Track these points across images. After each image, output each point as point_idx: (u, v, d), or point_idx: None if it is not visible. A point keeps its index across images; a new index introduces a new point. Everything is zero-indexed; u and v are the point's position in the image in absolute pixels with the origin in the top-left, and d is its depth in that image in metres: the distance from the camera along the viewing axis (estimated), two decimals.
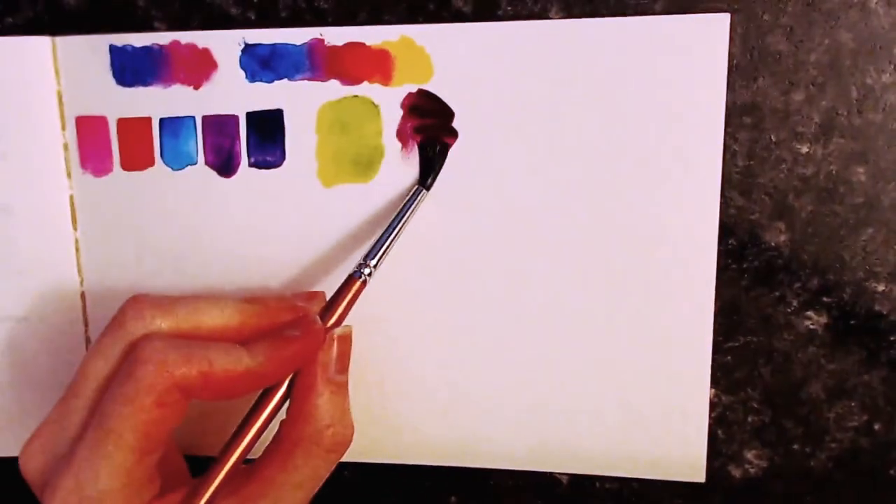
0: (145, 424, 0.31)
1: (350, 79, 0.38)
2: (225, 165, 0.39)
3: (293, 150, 0.39)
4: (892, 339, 0.38)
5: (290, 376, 0.34)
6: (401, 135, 0.38)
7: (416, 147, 0.38)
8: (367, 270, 0.36)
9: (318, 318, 0.35)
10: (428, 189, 0.38)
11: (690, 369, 0.39)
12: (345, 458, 0.35)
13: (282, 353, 0.33)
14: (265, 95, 0.38)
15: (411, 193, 0.38)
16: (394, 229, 0.37)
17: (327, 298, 0.36)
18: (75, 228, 0.40)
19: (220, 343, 0.32)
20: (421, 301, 0.39)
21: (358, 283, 0.36)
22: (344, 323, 0.36)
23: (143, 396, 0.30)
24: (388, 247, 0.36)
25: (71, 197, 0.40)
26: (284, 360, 0.33)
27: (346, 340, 0.35)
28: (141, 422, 0.30)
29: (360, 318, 0.37)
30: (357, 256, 0.38)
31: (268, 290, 0.40)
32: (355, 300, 0.36)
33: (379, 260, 0.36)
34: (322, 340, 0.34)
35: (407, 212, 0.37)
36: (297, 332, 0.33)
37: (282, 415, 0.34)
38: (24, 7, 0.39)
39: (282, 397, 0.34)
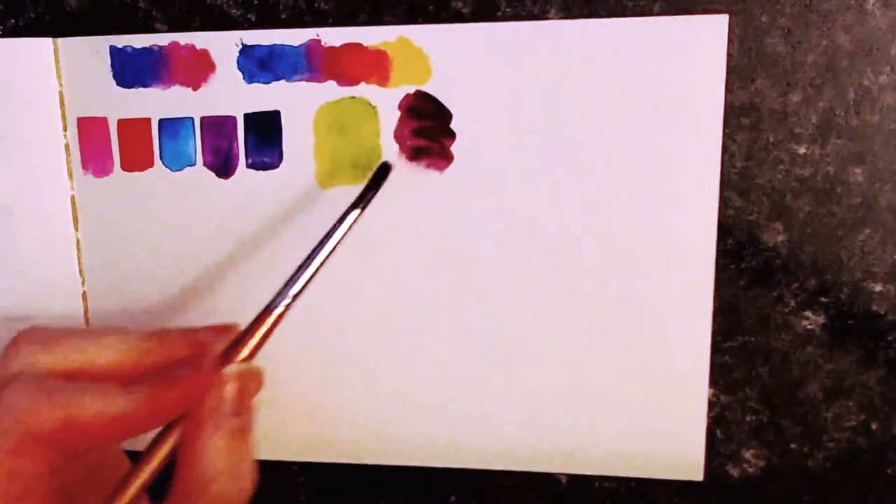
0: (5, 474, 0.28)
1: (348, 80, 0.38)
2: (223, 166, 0.39)
3: (291, 152, 0.39)
4: (889, 338, 0.38)
5: (174, 419, 0.30)
6: (398, 136, 0.38)
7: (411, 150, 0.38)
8: (285, 301, 0.33)
9: (213, 356, 0.31)
10: (362, 210, 0.36)
11: (689, 369, 0.39)
12: (345, 460, 0.35)
13: (164, 395, 0.29)
14: (263, 96, 0.38)
15: (344, 214, 0.36)
16: (316, 255, 0.34)
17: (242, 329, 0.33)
18: (76, 229, 0.40)
19: (97, 385, 0.29)
20: (420, 302, 0.39)
21: (273, 316, 0.33)
22: (254, 356, 0.32)
23: (1, 442, 0.28)
24: (312, 275, 0.34)
25: (72, 197, 0.40)
26: (166, 403, 0.30)
27: (249, 378, 0.31)
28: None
29: (361, 318, 0.37)
30: (356, 257, 0.38)
31: (264, 288, 0.40)
32: (270, 334, 0.33)
33: (302, 289, 0.34)
34: (213, 381, 0.31)
35: (335, 236, 0.35)
36: (185, 372, 0.30)
37: None
38: (26, 9, 0.40)
39: (172, 443, 0.30)
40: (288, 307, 0.33)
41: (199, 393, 0.30)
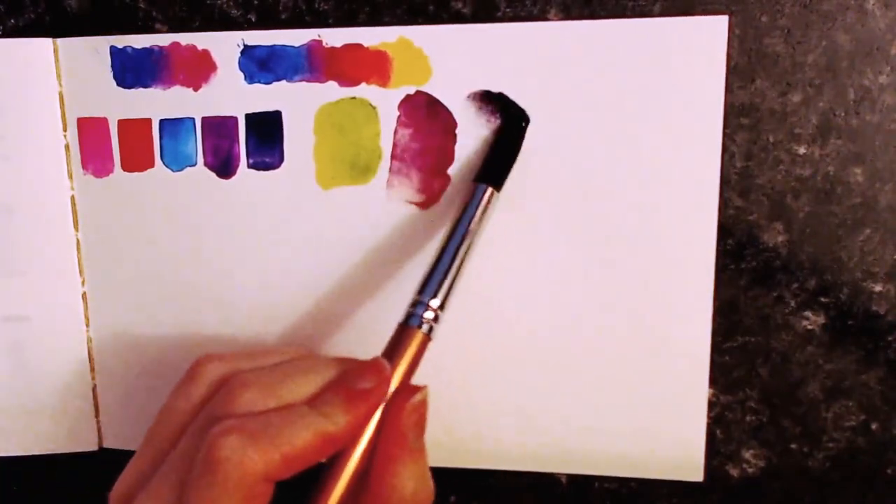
0: None
1: (348, 80, 0.38)
2: (224, 167, 0.39)
3: (291, 152, 0.39)
4: (889, 339, 0.38)
5: (364, 438, 0.32)
6: (398, 137, 0.38)
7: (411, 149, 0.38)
8: (429, 315, 0.33)
9: (386, 364, 0.33)
10: (498, 189, 0.36)
11: (689, 369, 0.39)
12: None
13: (359, 408, 0.31)
14: (264, 97, 0.38)
15: (476, 196, 0.36)
16: (458, 249, 0.34)
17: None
18: (76, 229, 0.40)
19: (294, 414, 0.31)
20: None
21: (420, 336, 0.33)
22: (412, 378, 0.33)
23: (229, 497, 0.28)
24: (455, 276, 0.34)
25: (72, 198, 0.40)
26: (360, 417, 0.31)
27: (423, 406, 0.33)
28: None
29: (359, 319, 0.38)
30: (354, 258, 0.38)
31: (264, 288, 0.40)
32: (421, 356, 0.33)
33: (446, 297, 0.34)
34: (388, 388, 0.32)
35: (473, 221, 0.35)
36: (370, 384, 0.32)
37: None
38: (26, 9, 0.40)
39: (360, 463, 0.31)
40: (435, 321, 0.33)
41: (382, 400, 0.32)
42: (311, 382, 0.32)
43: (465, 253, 0.34)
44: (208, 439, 0.29)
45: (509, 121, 0.37)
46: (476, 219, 0.35)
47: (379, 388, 0.32)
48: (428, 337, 0.33)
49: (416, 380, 0.33)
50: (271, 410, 0.31)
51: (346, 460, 0.31)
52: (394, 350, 0.33)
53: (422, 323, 0.33)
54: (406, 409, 0.32)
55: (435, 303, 0.33)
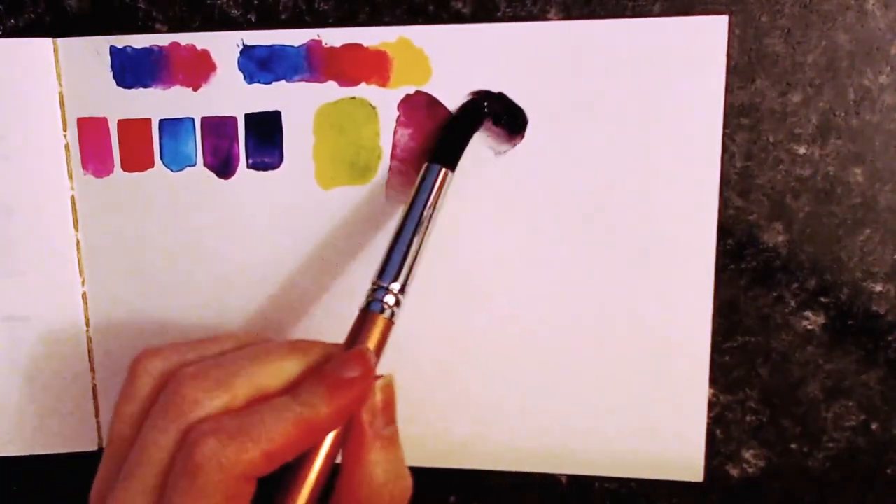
0: None
1: (348, 80, 0.38)
2: (223, 167, 0.39)
3: (291, 152, 0.39)
4: (889, 339, 0.38)
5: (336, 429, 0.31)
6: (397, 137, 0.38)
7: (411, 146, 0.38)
8: (390, 299, 0.33)
9: (372, 353, 0.32)
10: (453, 169, 0.35)
11: (689, 369, 0.39)
12: None
13: (342, 399, 0.30)
14: (263, 97, 0.38)
15: (428, 176, 0.35)
16: (415, 232, 0.34)
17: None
18: (76, 229, 0.40)
19: (271, 408, 0.30)
20: (419, 303, 0.39)
21: (382, 321, 0.33)
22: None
23: (212, 499, 0.28)
24: (414, 259, 0.34)
25: (72, 198, 0.40)
26: (344, 405, 0.31)
27: (388, 389, 0.32)
28: None
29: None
30: (354, 257, 0.38)
31: (263, 289, 0.40)
32: (385, 341, 0.33)
33: (406, 280, 0.33)
34: (373, 378, 0.32)
35: (428, 203, 0.34)
36: (356, 373, 0.31)
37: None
38: (26, 9, 0.39)
39: (330, 454, 0.31)
40: (397, 305, 0.33)
41: (369, 390, 0.31)
42: (268, 370, 0.31)
43: (423, 235, 0.34)
44: (187, 443, 0.29)
45: (467, 103, 0.37)
46: (431, 200, 0.35)
47: (364, 378, 0.31)
48: (391, 321, 0.33)
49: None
50: (246, 406, 0.30)
51: (319, 450, 0.31)
52: (357, 336, 0.32)
53: (383, 308, 0.33)
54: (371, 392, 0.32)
55: (395, 286, 0.33)
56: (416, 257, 0.34)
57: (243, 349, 0.33)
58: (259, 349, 0.32)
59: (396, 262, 0.33)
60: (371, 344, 0.32)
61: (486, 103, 0.37)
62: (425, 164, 0.36)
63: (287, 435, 0.29)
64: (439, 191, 0.35)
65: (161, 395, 0.31)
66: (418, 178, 0.35)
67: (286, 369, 0.31)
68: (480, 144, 0.38)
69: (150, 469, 0.30)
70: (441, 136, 0.37)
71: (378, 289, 0.33)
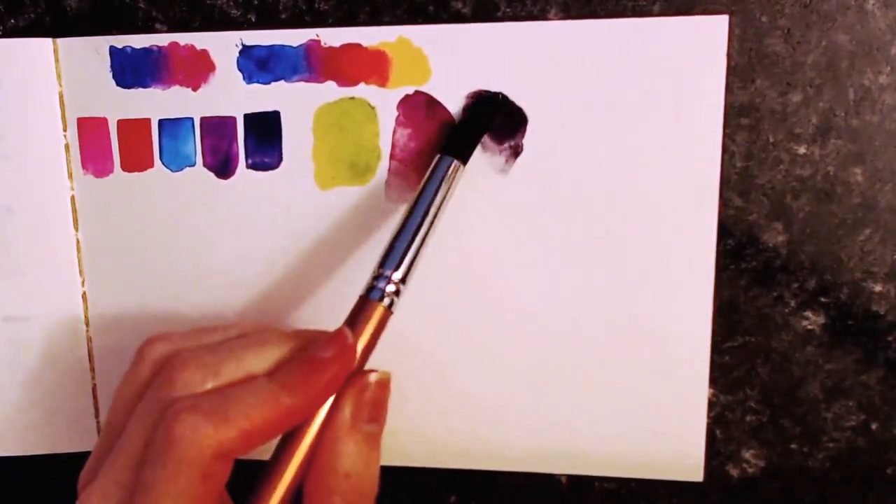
0: (195, 498, 0.29)
1: (347, 80, 0.38)
2: (223, 167, 0.39)
3: (290, 153, 0.39)
4: (889, 339, 0.38)
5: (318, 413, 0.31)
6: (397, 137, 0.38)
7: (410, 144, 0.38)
8: (390, 287, 0.33)
9: (349, 332, 0.32)
10: (465, 163, 0.36)
11: (689, 369, 0.39)
12: None
13: (318, 380, 0.30)
14: (262, 97, 0.38)
15: (439, 168, 0.35)
16: (421, 222, 0.34)
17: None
18: (76, 229, 0.40)
19: (249, 389, 0.30)
20: (419, 302, 0.39)
21: (380, 309, 0.32)
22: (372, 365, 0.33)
23: (186, 474, 0.28)
24: (418, 249, 0.34)
25: (72, 198, 0.40)
26: (321, 388, 0.31)
27: (382, 387, 0.32)
28: (190, 498, 0.28)
29: None
30: (354, 257, 0.38)
31: (263, 289, 0.40)
32: (382, 329, 0.33)
33: (408, 270, 0.33)
34: (354, 359, 0.32)
35: (437, 194, 0.34)
36: (330, 353, 0.31)
37: None
38: (26, 9, 0.40)
39: (314, 439, 0.31)
40: (397, 294, 0.33)
41: (347, 371, 0.31)
42: (259, 357, 0.31)
43: (429, 226, 0.34)
44: (164, 420, 0.29)
45: (483, 99, 0.37)
46: (440, 192, 0.35)
47: (341, 357, 0.31)
48: (389, 311, 0.33)
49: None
50: (228, 385, 0.30)
51: (303, 435, 0.31)
52: (353, 323, 0.32)
53: (382, 296, 0.33)
54: (363, 382, 0.32)
55: (396, 276, 0.33)
56: (419, 248, 0.34)
57: (241, 337, 0.33)
58: (255, 337, 0.33)
59: (399, 250, 0.33)
60: (366, 331, 0.32)
61: (500, 103, 0.37)
62: (437, 156, 0.36)
63: (264, 414, 0.29)
64: (449, 183, 0.35)
65: (155, 378, 0.31)
66: (429, 169, 0.35)
67: (275, 355, 0.32)
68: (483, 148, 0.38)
69: (132, 447, 0.30)
70: (456, 129, 0.37)
71: (379, 276, 0.33)
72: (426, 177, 0.35)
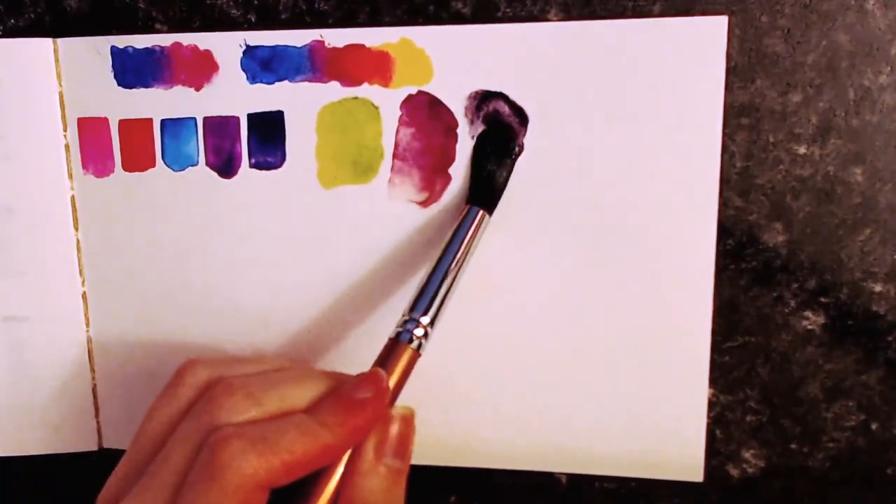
0: None
1: (350, 80, 0.38)
2: (225, 166, 0.39)
3: (293, 152, 0.39)
4: (889, 339, 0.38)
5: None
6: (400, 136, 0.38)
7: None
8: (419, 331, 0.34)
9: (384, 374, 0.33)
10: (490, 213, 0.37)
11: (689, 369, 0.39)
12: None
13: (356, 419, 0.31)
14: (266, 97, 0.38)
15: (469, 218, 0.37)
16: (447, 270, 0.35)
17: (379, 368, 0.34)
18: (76, 229, 0.40)
19: (292, 422, 0.31)
20: None
21: (409, 351, 0.34)
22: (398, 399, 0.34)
23: (228, 501, 0.28)
24: (445, 295, 0.35)
25: (72, 198, 0.40)
26: (359, 427, 0.31)
27: (407, 423, 0.33)
28: None
29: (357, 319, 0.37)
30: (356, 257, 0.38)
31: (265, 288, 0.40)
32: (410, 371, 0.34)
33: (436, 315, 0.35)
34: (388, 400, 0.33)
35: (465, 245, 0.36)
36: (369, 394, 0.32)
37: None
38: (26, 9, 0.39)
39: (341, 474, 0.32)
40: (425, 337, 0.34)
41: (382, 412, 0.32)
42: (299, 392, 0.32)
43: (456, 273, 0.36)
44: (209, 444, 0.29)
45: (502, 144, 0.38)
46: (467, 240, 0.36)
47: (377, 399, 0.32)
48: (417, 353, 0.34)
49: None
50: (269, 419, 0.31)
51: (333, 471, 0.31)
52: (383, 364, 0.34)
53: (412, 339, 0.34)
54: (388, 417, 0.32)
55: (425, 320, 0.34)
56: (447, 293, 0.35)
57: (281, 371, 0.34)
58: (294, 372, 0.34)
59: (429, 297, 0.35)
60: (396, 372, 0.33)
61: (518, 147, 0.38)
62: (466, 207, 0.37)
63: (304, 448, 0.30)
64: (475, 232, 0.36)
65: (198, 402, 0.32)
66: (458, 219, 0.37)
67: (313, 391, 0.32)
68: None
69: (172, 468, 0.30)
70: (481, 179, 0.38)
71: (409, 320, 0.34)
72: (455, 226, 0.36)
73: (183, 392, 0.33)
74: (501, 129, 0.38)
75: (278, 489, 0.30)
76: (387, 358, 0.34)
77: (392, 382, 0.33)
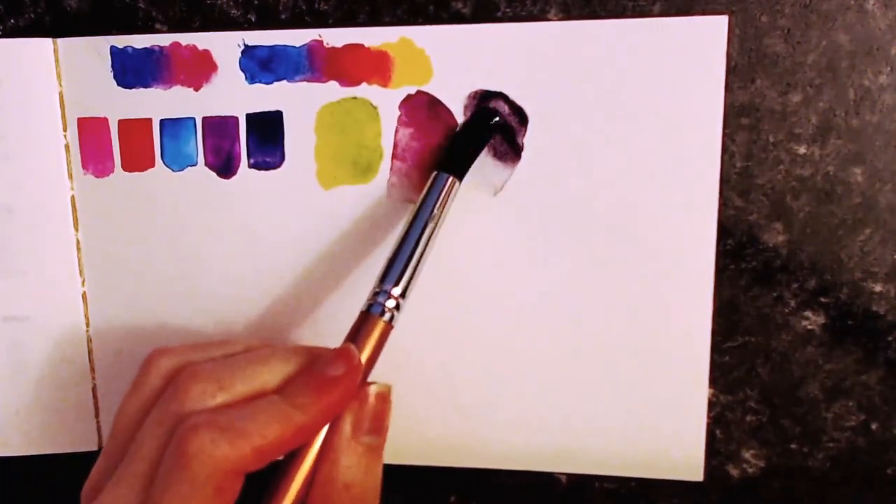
0: None
1: (349, 80, 0.38)
2: (225, 167, 0.39)
3: (293, 152, 0.39)
4: (889, 339, 0.38)
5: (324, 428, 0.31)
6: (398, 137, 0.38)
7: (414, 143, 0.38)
8: (391, 303, 0.33)
9: (355, 350, 0.32)
10: (460, 179, 0.36)
11: (689, 369, 0.39)
12: None
13: (328, 397, 0.31)
14: (265, 97, 0.38)
15: (437, 185, 0.36)
16: (419, 238, 0.34)
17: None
18: (76, 229, 0.40)
19: (263, 405, 0.30)
20: (419, 302, 0.39)
21: (381, 324, 0.33)
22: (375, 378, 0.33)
23: (200, 490, 0.28)
24: (417, 265, 0.34)
25: (72, 198, 0.40)
26: (331, 405, 0.31)
27: (383, 399, 0.32)
28: None
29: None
30: (355, 257, 0.38)
31: (264, 288, 0.40)
32: (383, 344, 0.33)
33: (407, 285, 0.34)
34: (361, 376, 0.32)
35: (434, 213, 0.35)
36: (341, 370, 0.31)
37: None
38: (26, 9, 0.39)
39: (316, 452, 0.31)
40: (397, 309, 0.33)
41: (354, 389, 0.31)
42: (268, 372, 0.32)
43: (427, 241, 0.35)
44: (178, 434, 0.29)
45: (478, 113, 0.37)
46: (436, 208, 0.35)
47: (349, 375, 0.31)
48: (389, 325, 0.33)
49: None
50: (239, 403, 0.31)
51: (308, 449, 0.31)
52: (355, 338, 0.33)
53: (383, 311, 0.33)
54: (363, 394, 0.32)
55: (396, 291, 0.33)
56: (418, 263, 0.34)
57: (250, 352, 0.33)
58: (262, 353, 0.33)
59: (399, 267, 0.34)
60: (368, 346, 0.33)
61: (496, 119, 0.37)
62: (434, 173, 0.36)
63: (276, 432, 0.29)
64: (445, 199, 0.35)
65: (165, 391, 0.32)
66: (426, 186, 0.36)
67: (284, 371, 0.32)
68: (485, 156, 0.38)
69: (144, 460, 0.30)
70: (451, 145, 0.37)
71: (379, 292, 0.33)
72: (423, 193, 0.36)
73: (149, 382, 0.33)
74: (483, 111, 0.37)
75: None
76: (358, 331, 0.33)
77: (364, 356, 0.32)
